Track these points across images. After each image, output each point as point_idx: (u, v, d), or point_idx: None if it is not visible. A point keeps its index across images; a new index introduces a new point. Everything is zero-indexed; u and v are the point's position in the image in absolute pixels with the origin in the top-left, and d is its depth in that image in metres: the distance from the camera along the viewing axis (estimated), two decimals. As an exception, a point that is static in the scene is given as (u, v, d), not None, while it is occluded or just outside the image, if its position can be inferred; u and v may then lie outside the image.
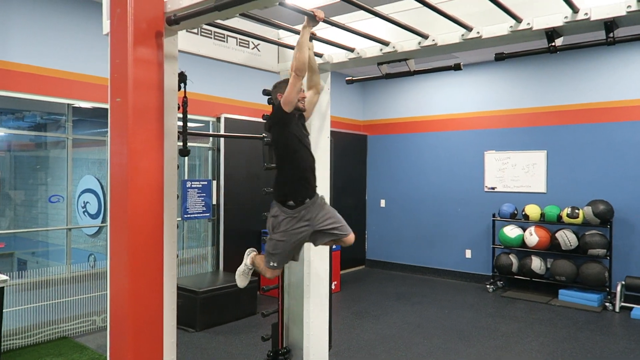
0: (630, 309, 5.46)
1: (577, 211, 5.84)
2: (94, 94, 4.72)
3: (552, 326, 4.99)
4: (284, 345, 3.13)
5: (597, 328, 4.96)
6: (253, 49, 3.24)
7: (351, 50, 2.96)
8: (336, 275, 6.33)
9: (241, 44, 3.18)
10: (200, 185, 5.55)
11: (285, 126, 2.67)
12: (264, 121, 3.30)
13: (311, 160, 2.78)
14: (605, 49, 5.81)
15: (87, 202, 5.21)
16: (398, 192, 7.80)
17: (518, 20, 2.39)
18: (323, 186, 3.29)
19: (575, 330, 4.88)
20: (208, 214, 5.64)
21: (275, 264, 2.73)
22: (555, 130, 6.41)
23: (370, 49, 2.92)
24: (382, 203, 8.00)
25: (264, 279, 5.48)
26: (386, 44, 2.82)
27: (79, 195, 5.20)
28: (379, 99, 8.07)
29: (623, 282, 5.59)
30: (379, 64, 3.05)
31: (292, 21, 2.92)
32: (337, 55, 3.06)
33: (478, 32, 2.50)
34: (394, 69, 3.07)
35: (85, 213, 5.22)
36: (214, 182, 5.79)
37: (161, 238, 2.23)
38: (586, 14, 2.23)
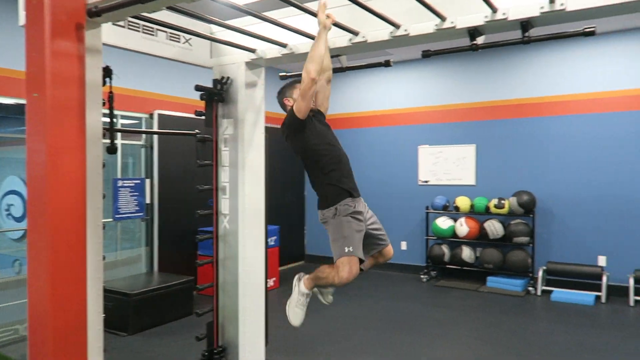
0: (551, 292, 5.85)
1: (503, 202, 6.17)
2: (16, 89, 4.41)
3: (481, 312, 5.25)
4: (219, 344, 3.09)
5: (521, 311, 5.27)
6: (184, 43, 3.16)
7: (284, 45, 2.95)
8: (275, 271, 6.32)
9: (172, 38, 3.08)
10: (133, 184, 5.36)
11: (302, 132, 2.55)
12: (200, 117, 3.22)
13: (344, 156, 2.67)
14: (528, 48, 6.17)
15: (12, 205, 4.88)
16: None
17: (443, 18, 2.48)
18: (258, 182, 3.28)
19: (502, 314, 5.16)
20: (141, 214, 5.45)
21: (351, 249, 2.41)
22: (483, 125, 6.73)
23: (304, 45, 2.92)
24: (321, 198, 8.06)
25: (201, 276, 5.44)
26: (318, 40, 2.84)
27: (2, 197, 4.86)
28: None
29: (544, 268, 5.98)
30: (312, 59, 3.07)
31: (225, 16, 2.88)
32: (270, 51, 3.04)
33: (406, 30, 2.57)
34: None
35: (9, 216, 4.89)
36: (148, 181, 5.60)
37: (84, 240, 2.13)
38: (504, 14, 2.34)
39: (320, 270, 2.62)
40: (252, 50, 3.05)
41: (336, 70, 3.14)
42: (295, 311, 2.67)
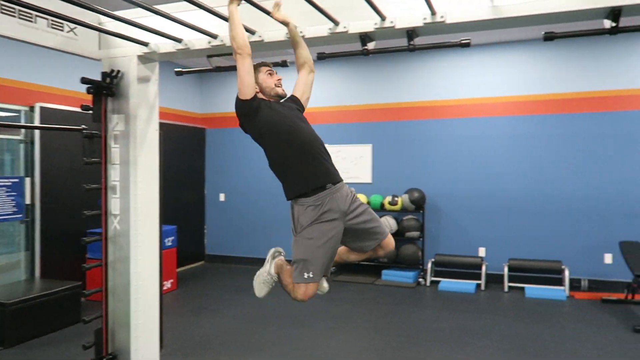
0: (438, 282, 6.31)
1: (396, 199, 6.53)
2: None
3: (376, 304, 5.52)
4: (109, 352, 2.94)
5: (412, 301, 5.63)
6: (69, 32, 2.95)
7: (179, 41, 2.88)
8: (172, 273, 6.11)
9: (54, 26, 2.86)
10: (10, 183, 4.89)
11: (253, 116, 2.35)
12: (86, 111, 3.02)
13: (313, 140, 2.38)
14: (418, 55, 6.59)
15: None
16: (238, 186, 7.82)
17: (336, 23, 2.58)
18: (152, 181, 3.16)
19: (395, 305, 5.47)
20: (20, 215, 4.99)
21: (311, 275, 2.24)
22: (379, 126, 7.06)
23: (199, 41, 2.87)
24: (222, 197, 7.95)
25: (90, 281, 5.10)
26: (214, 36, 2.81)
27: None
28: (218, 92, 7.98)
29: (433, 260, 6.43)
30: (209, 56, 3.03)
31: (115, 6, 2.73)
32: (164, 45, 2.95)
33: (301, 32, 2.63)
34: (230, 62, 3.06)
35: None
36: (27, 180, 5.13)
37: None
38: (392, 22, 2.49)
39: (283, 270, 2.44)
40: (145, 44, 2.93)
41: (234, 69, 3.13)
42: (260, 286, 2.49)
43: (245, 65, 2.26)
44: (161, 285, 3.22)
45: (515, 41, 6.34)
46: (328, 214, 2.29)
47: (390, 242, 2.50)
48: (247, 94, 2.31)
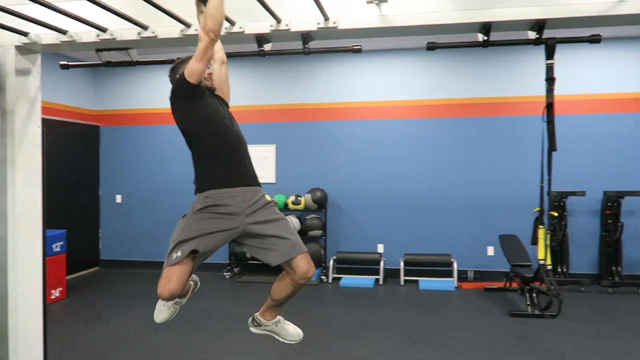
0: (340, 278, 6.52)
1: (299, 198, 6.64)
2: None
3: (279, 302, 5.57)
4: (-17, 368, 2.68)
5: (314, 298, 5.76)
6: None
7: (64, 32, 2.70)
8: (61, 280, 5.69)
9: None
10: None
11: (191, 101, 2.22)
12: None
13: (240, 141, 2.33)
14: (319, 58, 6.76)
15: None
16: (137, 187, 7.47)
17: (232, 23, 2.59)
18: (33, 181, 2.93)
19: (297, 303, 5.52)
20: None
21: (179, 254, 2.09)
22: (282, 126, 7.12)
23: (87, 34, 2.72)
24: (119, 199, 7.54)
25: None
26: (104, 30, 2.68)
27: None
28: (113, 88, 7.55)
29: (335, 257, 6.63)
30: (98, 50, 2.88)
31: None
32: (47, 36, 2.75)
33: (196, 30, 2.59)
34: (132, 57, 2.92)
35: None
36: None
37: None
38: (287, 25, 2.55)
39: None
40: (24, 34, 2.71)
41: (126, 64, 3.01)
42: (159, 308, 2.38)
43: (210, 50, 2.14)
44: (45, 294, 3.00)
45: (410, 49, 6.72)
46: (224, 207, 2.22)
47: (303, 263, 2.27)
48: (196, 79, 2.18)
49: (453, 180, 6.63)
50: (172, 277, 2.12)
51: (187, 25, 2.59)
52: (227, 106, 2.56)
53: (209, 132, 2.31)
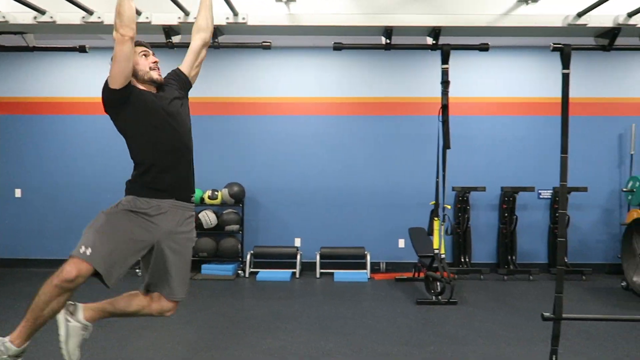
0: (257, 272, 6.56)
1: (216, 193, 6.57)
2: None
3: (193, 298, 5.49)
4: None
5: (230, 293, 5.75)
6: None
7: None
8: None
9: None
10: None
11: (121, 109, 2.06)
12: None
13: (178, 148, 2.16)
14: (237, 52, 6.71)
15: None
16: (40, 181, 6.99)
17: (138, 12, 2.53)
18: None
19: (213, 298, 5.53)
20: None
21: (89, 251, 1.93)
22: (199, 119, 6.92)
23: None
24: (18, 193, 7.02)
25: None
26: (-7, 11, 2.51)
27: None
28: (12, 73, 6.99)
29: (252, 252, 6.65)
30: (-13, 33, 2.70)
31: None
32: None
33: (99, 17, 2.51)
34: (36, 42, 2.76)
35: None
36: None
37: None
38: (195, 17, 2.53)
39: (46, 293, 2.16)
40: None
41: (21, 50, 2.84)
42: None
43: (125, 49, 1.95)
44: None
45: (326, 47, 6.85)
46: (151, 217, 2.17)
47: (171, 307, 2.39)
48: (119, 83, 2.01)
49: (367, 176, 6.89)
50: (72, 270, 2.05)
51: (89, 13, 2.50)
52: (186, 89, 2.38)
53: (149, 141, 2.21)
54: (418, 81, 6.87)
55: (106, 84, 2.08)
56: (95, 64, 6.79)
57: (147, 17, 2.54)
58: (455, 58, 6.69)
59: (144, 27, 2.62)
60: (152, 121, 2.18)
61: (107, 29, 2.61)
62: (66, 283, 2.01)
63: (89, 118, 6.92)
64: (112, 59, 2.03)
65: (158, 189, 2.20)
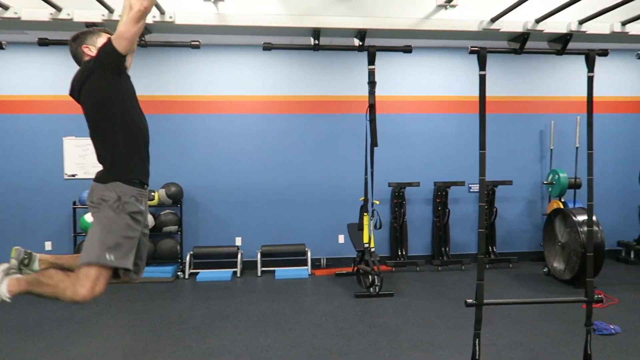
0: (197, 273, 6.47)
1: (153, 194, 6.41)
2: None
3: (129, 302, 5.36)
4: None
5: (169, 295, 5.65)
6: None
7: None
8: None
9: None
10: None
11: (118, 75, 2.02)
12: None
13: (147, 132, 2.25)
14: (172, 50, 6.58)
15: None
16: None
17: (59, 9, 2.46)
18: None
19: (151, 300, 5.41)
20: None
21: (112, 258, 1.94)
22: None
23: None
24: None
25: None
26: None
27: None
28: None
29: (191, 252, 6.55)
30: None
31: None
32: None
33: (15, 13, 2.42)
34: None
35: None
36: None
37: None
38: (120, 15, 2.49)
39: (46, 275, 2.01)
40: None
41: None
42: None
43: (142, 23, 1.93)
44: None
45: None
46: (139, 214, 2.20)
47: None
48: (126, 48, 1.96)
49: (306, 173, 6.97)
50: (100, 280, 2.02)
51: (58, 9, 2.39)
52: None
53: (133, 116, 2.24)
54: (352, 80, 7.01)
55: (110, 45, 1.98)
56: (15, 61, 6.44)
57: (68, 14, 2.46)
58: (388, 58, 6.95)
59: (65, 24, 2.54)
60: (136, 102, 2.30)
61: (27, 25, 2.52)
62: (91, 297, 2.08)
63: (21, 118, 6.56)
64: (122, 23, 1.97)
65: (143, 178, 2.28)
